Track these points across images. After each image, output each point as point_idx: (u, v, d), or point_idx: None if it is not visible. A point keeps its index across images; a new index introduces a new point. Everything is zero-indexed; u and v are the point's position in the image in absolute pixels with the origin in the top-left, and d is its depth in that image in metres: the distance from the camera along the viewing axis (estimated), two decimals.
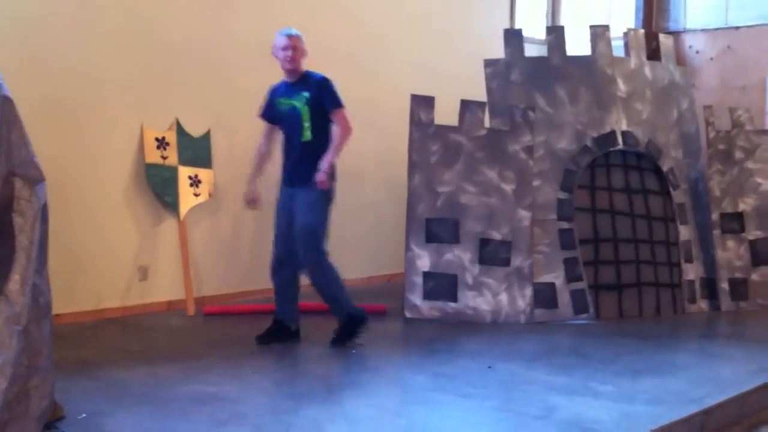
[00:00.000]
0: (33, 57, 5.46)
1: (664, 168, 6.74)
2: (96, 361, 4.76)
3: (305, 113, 5.14)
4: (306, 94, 5.16)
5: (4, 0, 5.35)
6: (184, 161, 6.23)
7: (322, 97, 5.14)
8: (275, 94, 5.34)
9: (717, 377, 4.75)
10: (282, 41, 5.18)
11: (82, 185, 5.75)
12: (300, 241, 5.10)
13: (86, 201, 5.78)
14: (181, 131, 6.24)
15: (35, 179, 3.44)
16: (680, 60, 8.74)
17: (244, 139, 6.63)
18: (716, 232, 6.83)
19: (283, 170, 5.28)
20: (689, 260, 6.75)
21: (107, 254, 5.93)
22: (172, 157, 6.16)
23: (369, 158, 7.24)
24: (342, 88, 5.26)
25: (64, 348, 4.69)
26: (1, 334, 3.15)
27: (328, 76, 5.22)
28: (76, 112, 5.73)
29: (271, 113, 5.36)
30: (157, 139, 6.11)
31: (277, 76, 5.39)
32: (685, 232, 6.78)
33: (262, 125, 5.53)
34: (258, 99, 6.96)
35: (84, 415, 3.76)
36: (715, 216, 6.84)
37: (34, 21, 5.49)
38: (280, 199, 5.28)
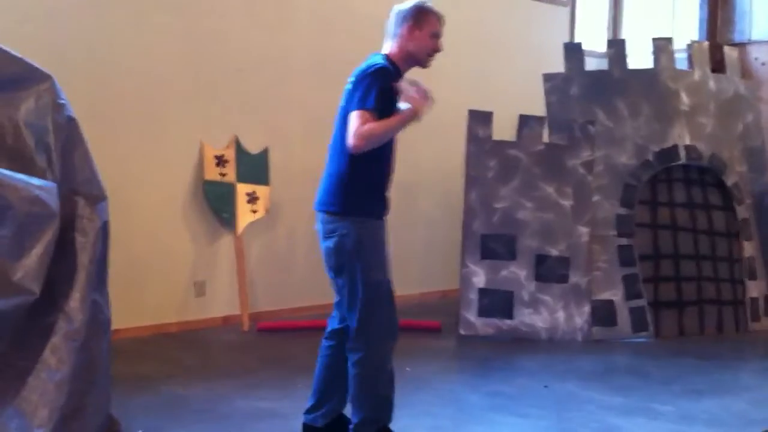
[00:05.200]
0: (95, 77, 5.59)
1: (728, 182, 6.58)
2: (154, 376, 4.83)
3: None
4: None
5: (67, 21, 5.50)
6: (242, 178, 6.30)
7: None
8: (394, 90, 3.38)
9: None
10: (439, 22, 3.51)
11: (142, 202, 5.85)
12: None
13: (146, 217, 5.88)
14: (239, 148, 6.32)
15: (97, 198, 3.51)
16: (745, 72, 8.53)
17: (300, 156, 6.69)
18: None
19: (381, 197, 3.54)
20: (753, 277, 6.57)
21: (165, 270, 6.02)
22: (230, 174, 6.24)
23: (424, 172, 7.22)
24: None
25: (123, 363, 4.77)
26: (60, 350, 3.22)
27: None
28: (137, 130, 5.85)
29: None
30: (216, 157, 6.19)
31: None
32: (749, 248, 6.61)
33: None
34: (314, 116, 7.03)
35: (140, 431, 3.82)
36: None
37: (96, 41, 5.62)
38: (382, 235, 3.55)
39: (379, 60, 3.42)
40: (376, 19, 7.15)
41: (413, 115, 3.28)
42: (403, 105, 3.30)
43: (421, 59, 3.49)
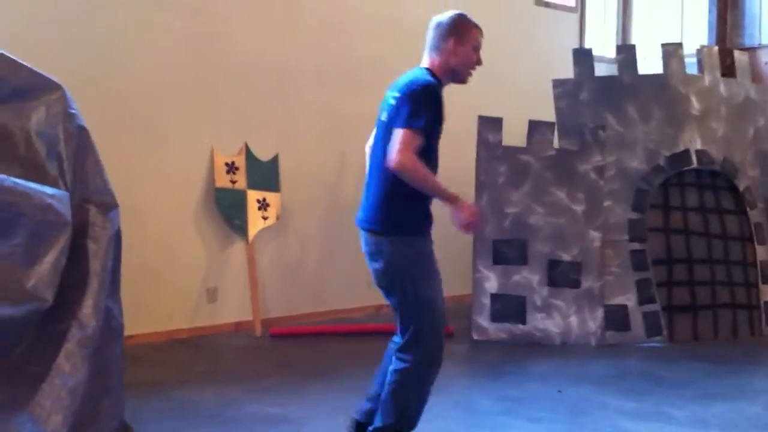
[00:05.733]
0: (105, 85, 5.63)
1: (741, 187, 6.56)
2: (167, 381, 4.85)
3: None
4: None
5: (76, 29, 5.54)
6: (253, 185, 6.32)
7: None
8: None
9: None
10: (480, 35, 3.47)
11: (154, 209, 5.88)
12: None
13: (157, 224, 5.91)
14: (249, 155, 6.35)
15: (109, 206, 3.55)
16: (756, 76, 8.49)
17: (310, 163, 6.72)
18: None
19: (426, 212, 3.43)
20: (767, 281, 6.53)
21: (177, 276, 6.05)
22: (241, 181, 6.26)
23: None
24: None
25: (136, 368, 4.79)
26: (74, 356, 3.24)
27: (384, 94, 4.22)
28: (148, 138, 5.88)
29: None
30: (226, 164, 6.22)
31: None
32: (762, 252, 6.58)
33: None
34: (324, 122, 7.05)
35: None
36: None
37: (106, 49, 5.66)
38: (429, 251, 3.44)
39: (424, 75, 3.31)
40: (386, 23, 7.24)
41: (453, 203, 3.22)
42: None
43: (464, 74, 3.43)
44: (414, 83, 3.26)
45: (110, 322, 3.46)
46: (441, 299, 3.39)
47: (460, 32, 3.36)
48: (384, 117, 3.33)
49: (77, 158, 3.48)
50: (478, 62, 3.43)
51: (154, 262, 5.88)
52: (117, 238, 3.55)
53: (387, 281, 3.36)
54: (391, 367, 3.40)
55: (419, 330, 3.33)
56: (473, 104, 6.86)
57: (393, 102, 3.27)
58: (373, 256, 3.37)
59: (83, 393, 3.23)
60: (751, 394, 4.71)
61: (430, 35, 3.41)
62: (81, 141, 3.51)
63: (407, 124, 3.14)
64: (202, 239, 6.18)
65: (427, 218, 3.41)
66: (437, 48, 3.38)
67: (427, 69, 3.37)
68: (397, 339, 3.47)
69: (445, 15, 3.41)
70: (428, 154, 3.27)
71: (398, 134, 3.15)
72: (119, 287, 3.59)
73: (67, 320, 3.31)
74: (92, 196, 3.49)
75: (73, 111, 3.50)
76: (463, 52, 3.37)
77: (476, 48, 3.40)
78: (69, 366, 3.22)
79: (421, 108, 3.17)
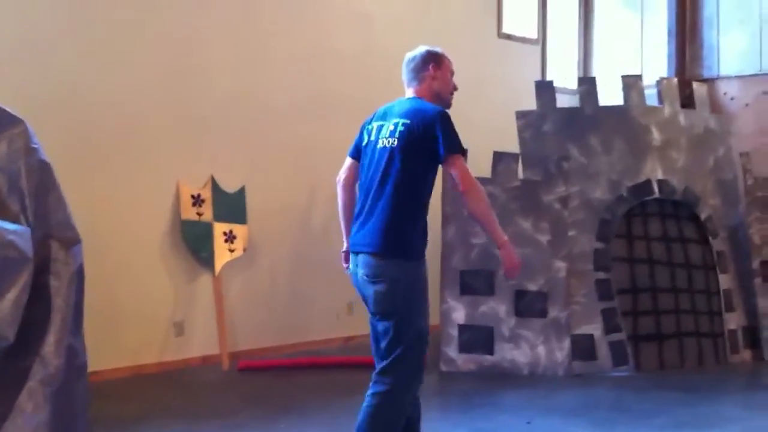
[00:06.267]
0: (70, 118, 5.58)
1: (702, 216, 6.65)
2: (134, 418, 4.77)
3: None
4: None
5: (42, 62, 5.49)
6: (219, 217, 6.29)
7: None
8: None
9: (764, 429, 4.61)
10: (451, 63, 3.69)
11: (119, 242, 5.82)
12: None
13: (123, 257, 5.84)
14: (216, 187, 6.31)
15: (71, 241, 3.48)
16: (715, 107, 8.67)
17: (278, 194, 6.70)
18: (757, 280, 6.70)
19: (426, 236, 3.51)
20: (730, 309, 6.62)
21: (144, 310, 5.97)
22: (207, 213, 6.23)
23: None
24: None
25: (103, 405, 4.71)
26: (36, 395, 3.16)
27: (353, 126, 4.36)
28: (112, 171, 5.83)
29: None
30: (192, 196, 6.18)
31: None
32: (725, 281, 6.66)
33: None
34: (292, 152, 7.04)
35: None
36: (755, 264, 6.72)
37: (70, 83, 5.62)
38: (426, 276, 3.50)
39: (425, 104, 3.43)
40: (355, 58, 7.28)
41: (502, 247, 3.36)
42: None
43: (447, 98, 3.56)
44: (430, 111, 3.37)
45: (73, 359, 3.38)
46: (427, 332, 3.42)
47: (435, 59, 3.55)
48: (388, 143, 3.38)
49: (39, 193, 3.42)
50: (455, 87, 3.61)
51: (120, 296, 5.81)
52: (80, 274, 3.48)
53: (386, 304, 3.34)
54: (369, 392, 3.38)
55: (405, 354, 3.33)
56: None
57: (403, 128, 3.35)
58: (375, 279, 3.35)
59: None
60: (721, 422, 4.74)
61: (407, 70, 3.57)
62: (43, 176, 3.45)
63: (455, 150, 3.31)
64: (168, 272, 6.12)
65: (426, 243, 3.46)
66: (417, 78, 3.54)
67: (419, 98, 3.49)
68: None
69: (416, 50, 3.58)
70: (432, 181, 3.42)
71: (456, 160, 3.30)
72: (82, 324, 3.51)
73: (29, 358, 3.22)
74: (54, 232, 3.43)
75: (35, 145, 3.45)
76: (442, 76, 3.55)
77: (452, 73, 3.59)
78: (31, 405, 3.14)
79: (454, 133, 3.34)
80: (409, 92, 3.54)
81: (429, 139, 3.31)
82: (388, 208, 3.34)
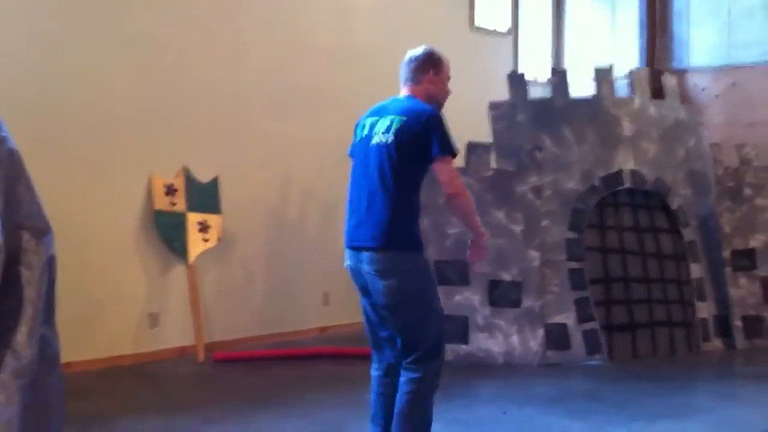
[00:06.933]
0: (42, 109, 5.50)
1: (673, 206, 6.71)
2: (109, 411, 4.72)
3: None
4: None
5: (15, 54, 5.41)
6: (193, 207, 6.24)
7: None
8: None
9: (737, 419, 4.67)
10: (449, 68, 3.74)
11: (91, 233, 5.75)
12: None
13: (95, 249, 5.78)
14: (189, 177, 6.26)
15: (42, 231, 3.43)
16: (685, 98, 8.76)
17: (252, 184, 6.67)
18: (728, 269, 6.78)
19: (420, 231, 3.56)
20: (702, 298, 6.69)
21: (117, 302, 5.91)
22: (180, 203, 6.18)
23: None
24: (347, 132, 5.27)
25: (77, 398, 4.64)
26: (9, 387, 3.11)
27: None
28: (84, 160, 5.76)
29: None
30: (165, 186, 6.13)
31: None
32: (696, 270, 6.73)
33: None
34: (267, 145, 7.00)
35: None
36: (726, 253, 6.80)
37: (44, 74, 5.54)
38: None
39: (420, 103, 3.48)
40: (332, 50, 7.25)
41: (479, 239, 3.53)
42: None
43: (441, 102, 3.62)
44: (424, 112, 3.41)
45: (45, 350, 3.34)
46: (443, 310, 3.58)
47: (435, 65, 3.60)
48: (384, 139, 3.39)
49: (8, 183, 3.36)
50: (449, 92, 3.69)
51: (94, 288, 5.74)
52: (51, 264, 3.43)
53: (400, 298, 3.36)
54: (403, 379, 3.42)
55: (437, 341, 3.42)
56: None
57: (399, 125, 3.38)
58: (384, 273, 3.35)
59: (19, 426, 3.10)
60: (694, 412, 4.78)
61: (407, 68, 3.59)
62: (12, 165, 3.39)
63: (446, 151, 3.36)
64: (142, 263, 6.06)
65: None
66: (414, 79, 3.57)
67: (415, 98, 3.52)
68: (376, 366, 3.54)
69: (418, 50, 3.61)
70: (425, 174, 3.45)
71: (444, 163, 3.36)
72: (54, 314, 3.46)
73: (0, 350, 3.18)
74: (25, 221, 3.37)
75: (4, 134, 3.38)
76: (440, 82, 3.61)
77: (449, 78, 3.66)
78: (3, 398, 3.09)
79: (447, 135, 3.38)
80: (405, 90, 3.58)
81: (423, 137, 3.34)
82: (389, 202, 3.36)
